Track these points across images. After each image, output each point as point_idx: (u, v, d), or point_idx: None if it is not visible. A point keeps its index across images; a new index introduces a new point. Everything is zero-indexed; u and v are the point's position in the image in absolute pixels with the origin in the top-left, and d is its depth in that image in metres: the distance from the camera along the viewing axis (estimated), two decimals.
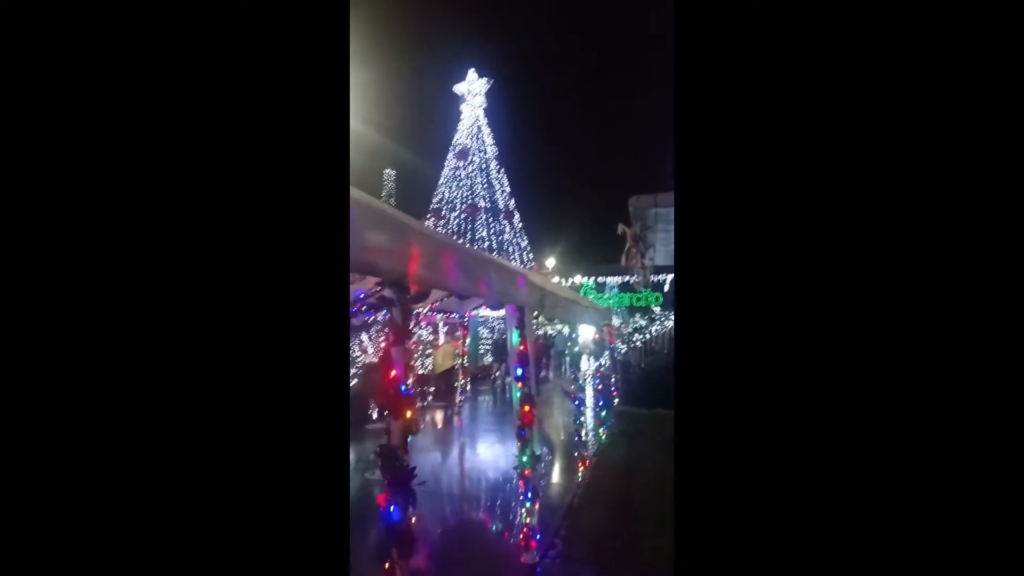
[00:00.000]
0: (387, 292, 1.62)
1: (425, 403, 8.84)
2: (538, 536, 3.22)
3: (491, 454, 5.66)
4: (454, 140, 25.71)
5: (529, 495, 3.13)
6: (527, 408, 3.29)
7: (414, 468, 1.65)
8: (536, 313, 4.05)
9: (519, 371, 3.41)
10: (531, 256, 25.22)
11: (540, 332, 5.83)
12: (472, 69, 25.75)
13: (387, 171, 29.54)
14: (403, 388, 1.62)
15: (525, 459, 3.20)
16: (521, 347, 3.41)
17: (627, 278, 16.88)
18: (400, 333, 1.64)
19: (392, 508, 1.59)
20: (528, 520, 3.10)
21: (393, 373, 1.62)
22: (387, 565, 1.65)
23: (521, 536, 3.11)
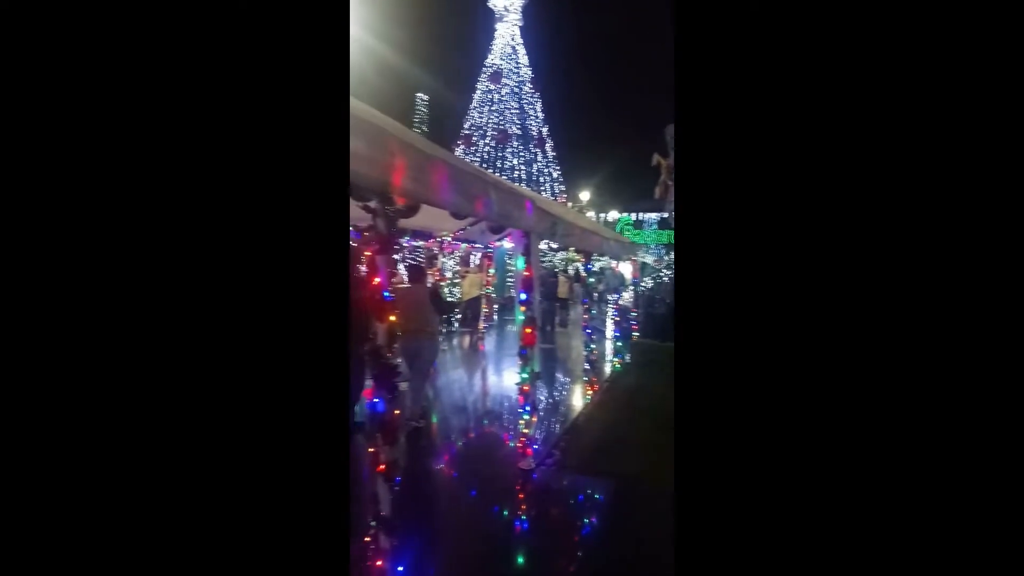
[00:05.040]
0: (372, 203, 1.69)
1: (453, 328, 9.23)
2: (535, 446, 3.46)
3: (507, 375, 5.93)
4: (487, 61, 24.40)
5: (528, 409, 3.33)
6: (529, 330, 3.42)
7: (397, 365, 1.81)
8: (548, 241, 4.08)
9: (523, 296, 3.51)
10: (563, 188, 24.47)
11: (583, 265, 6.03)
12: None
13: (419, 95, 28.76)
14: (385, 294, 1.73)
15: (525, 376, 3.38)
16: (526, 273, 3.48)
17: (664, 214, 16.43)
18: (385, 242, 1.73)
19: (377, 401, 1.77)
20: (526, 431, 3.32)
21: (377, 280, 1.73)
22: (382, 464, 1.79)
23: (519, 445, 3.35)
